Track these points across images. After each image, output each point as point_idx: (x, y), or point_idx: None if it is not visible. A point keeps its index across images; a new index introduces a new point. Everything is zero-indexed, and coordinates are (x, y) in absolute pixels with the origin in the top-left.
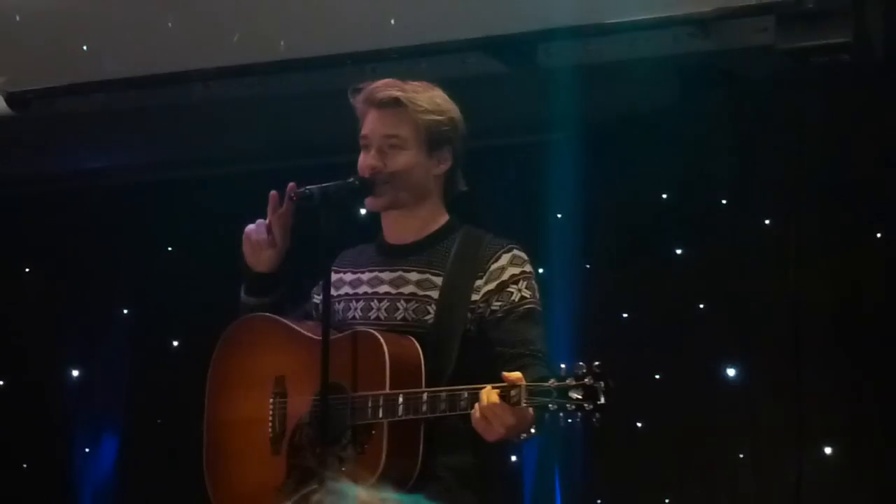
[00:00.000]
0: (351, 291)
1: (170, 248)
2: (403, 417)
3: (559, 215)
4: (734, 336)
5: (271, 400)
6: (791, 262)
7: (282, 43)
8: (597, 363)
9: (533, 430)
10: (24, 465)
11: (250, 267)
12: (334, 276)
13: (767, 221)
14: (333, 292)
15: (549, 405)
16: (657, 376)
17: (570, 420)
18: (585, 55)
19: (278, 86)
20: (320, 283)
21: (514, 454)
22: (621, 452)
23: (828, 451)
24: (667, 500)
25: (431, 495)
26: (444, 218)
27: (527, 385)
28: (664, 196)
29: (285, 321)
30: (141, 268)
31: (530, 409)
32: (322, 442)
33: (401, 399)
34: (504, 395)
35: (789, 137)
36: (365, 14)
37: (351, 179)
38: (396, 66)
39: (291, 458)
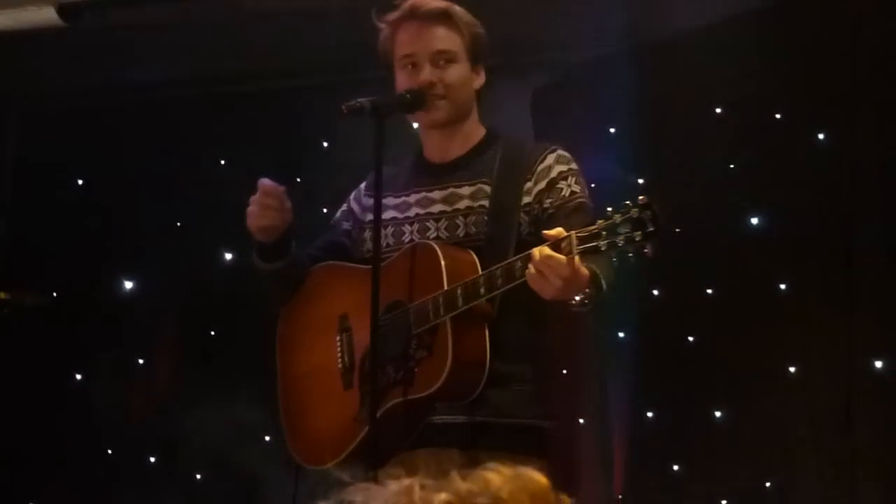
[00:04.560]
0: (400, 216)
1: (222, 161)
2: (464, 307)
3: (612, 129)
4: (786, 251)
5: (338, 338)
6: (845, 176)
7: None
8: (641, 196)
9: (589, 291)
10: (78, 377)
11: (253, 233)
12: (370, 201)
13: (821, 136)
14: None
15: (601, 246)
16: (709, 291)
17: (623, 258)
18: None
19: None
20: (344, 209)
21: (565, 367)
22: (672, 367)
23: (878, 365)
24: (717, 414)
25: (505, 408)
26: (483, 130)
27: (576, 232)
28: (717, 111)
29: (334, 262)
30: (193, 180)
31: (583, 268)
32: (386, 359)
33: (459, 290)
34: (555, 247)
35: (844, 50)
36: None
37: (403, 92)
38: None
39: (363, 386)
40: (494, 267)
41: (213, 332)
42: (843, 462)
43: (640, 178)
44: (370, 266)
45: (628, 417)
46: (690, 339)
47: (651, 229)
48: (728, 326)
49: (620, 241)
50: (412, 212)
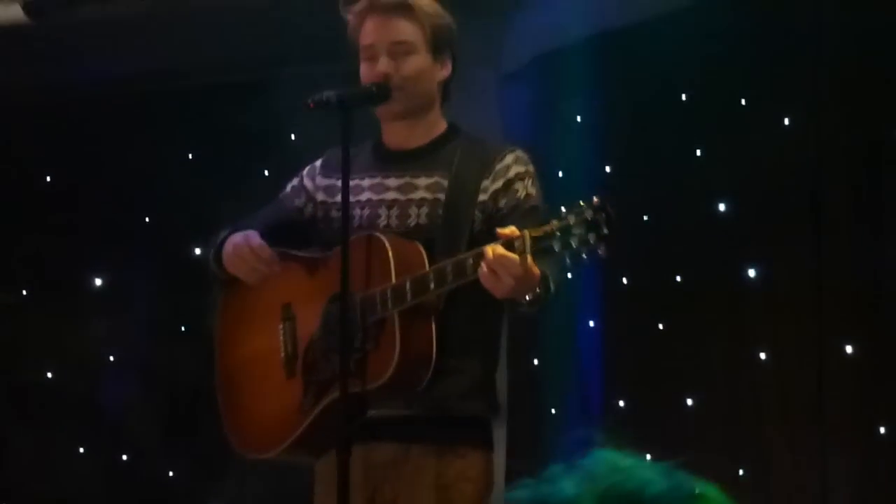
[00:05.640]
0: (352, 198)
1: (189, 156)
2: (413, 302)
3: (579, 118)
4: (754, 236)
5: (280, 326)
6: (811, 160)
7: None
8: (595, 197)
9: (539, 291)
10: (49, 375)
11: (226, 268)
12: (325, 182)
13: (787, 121)
14: (328, 199)
15: (554, 246)
16: (678, 277)
17: (576, 259)
18: None
19: None
20: (295, 185)
21: (535, 357)
22: (642, 354)
23: (848, 350)
24: (689, 401)
25: (445, 401)
26: (444, 124)
27: (530, 231)
28: (683, 97)
29: (278, 249)
30: (160, 175)
31: (534, 266)
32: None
33: (408, 284)
34: (508, 245)
35: (808, 34)
36: None
37: (369, 84)
38: None
39: (307, 376)
40: (444, 262)
41: (183, 329)
42: (814, 447)
43: (607, 165)
44: (315, 255)
45: (599, 406)
46: (660, 326)
47: (605, 231)
48: (697, 313)
49: (574, 241)
50: (364, 196)
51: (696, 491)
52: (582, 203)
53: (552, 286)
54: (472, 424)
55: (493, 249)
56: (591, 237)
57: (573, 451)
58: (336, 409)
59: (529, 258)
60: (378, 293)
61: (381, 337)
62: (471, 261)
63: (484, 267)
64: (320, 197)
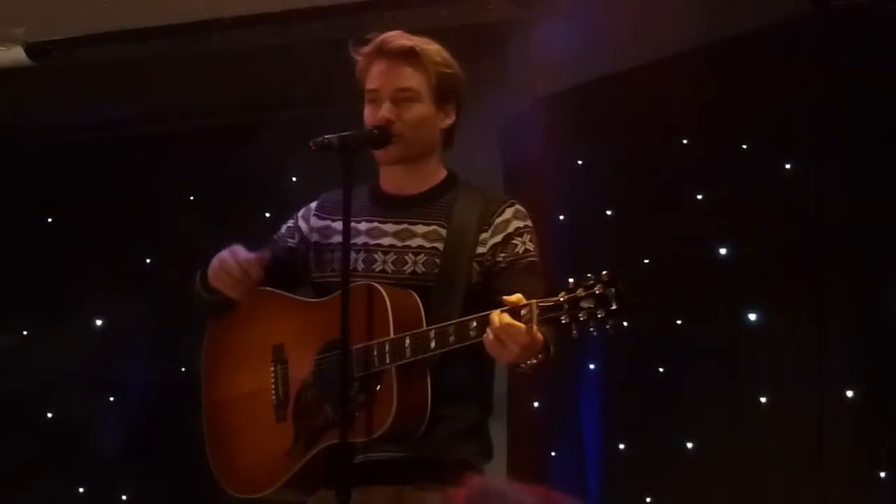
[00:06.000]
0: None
1: (191, 197)
2: (412, 359)
3: (580, 162)
4: (755, 281)
5: (272, 368)
6: (812, 205)
7: None
8: (605, 272)
9: (541, 356)
10: (49, 415)
11: (212, 285)
12: (320, 223)
13: (788, 166)
14: (321, 241)
15: (562, 318)
16: (678, 321)
17: (583, 332)
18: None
19: (298, 34)
20: (290, 225)
21: (536, 400)
22: (643, 397)
23: (849, 394)
24: (689, 445)
25: (439, 444)
26: (444, 172)
27: (538, 302)
28: (684, 141)
29: (278, 292)
30: (163, 217)
31: (539, 333)
32: (335, 393)
33: (408, 341)
34: (514, 313)
35: (809, 81)
36: None
37: (370, 128)
38: (415, 14)
39: (298, 422)
40: (447, 323)
41: (183, 370)
42: (814, 492)
43: (608, 209)
44: (310, 299)
45: (600, 449)
46: (661, 369)
47: (614, 307)
48: (698, 357)
49: (582, 315)
50: (360, 239)
51: None
52: (590, 276)
53: (552, 349)
54: (464, 467)
55: (499, 317)
56: (601, 312)
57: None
58: (325, 457)
59: (535, 327)
60: (376, 346)
61: (377, 390)
62: (475, 324)
63: (490, 334)
64: (314, 238)
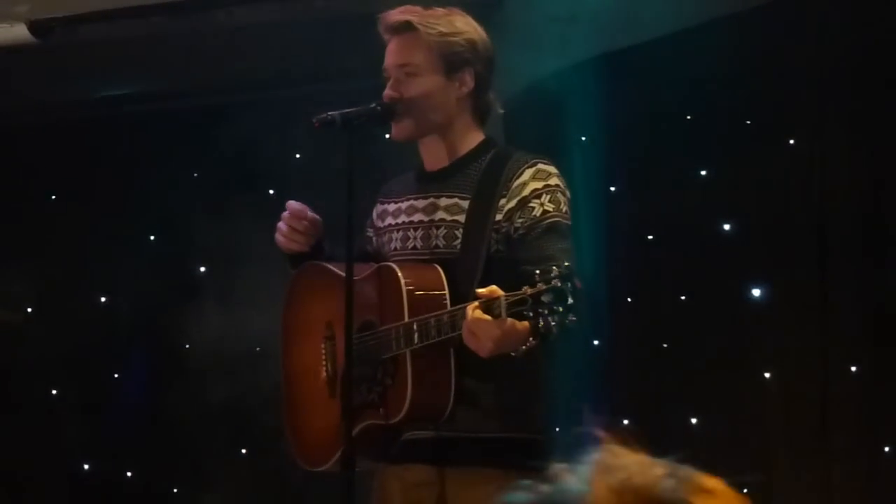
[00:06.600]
0: (393, 222)
1: (195, 175)
2: (419, 345)
3: (584, 138)
4: (759, 256)
5: (323, 345)
6: (816, 180)
7: None
8: (565, 264)
9: (533, 340)
10: (54, 392)
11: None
12: (379, 208)
13: (792, 141)
14: (380, 224)
15: (526, 313)
16: (682, 297)
17: (547, 327)
18: None
19: (301, 11)
20: (371, 214)
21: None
22: (647, 374)
23: (854, 369)
24: (693, 421)
25: (468, 424)
26: (476, 140)
27: (504, 296)
28: (688, 117)
29: (331, 267)
30: (166, 194)
31: (518, 325)
32: (347, 380)
33: (415, 327)
34: (487, 307)
35: (813, 55)
36: None
37: (373, 105)
38: None
39: (341, 399)
40: (445, 311)
41: (187, 346)
42: (819, 467)
43: (612, 186)
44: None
45: (604, 425)
46: (665, 345)
47: (570, 302)
48: (702, 333)
49: (544, 310)
50: (401, 219)
51: (706, 486)
52: (554, 268)
53: (554, 331)
54: (491, 445)
55: (470, 312)
56: (559, 307)
57: (576, 449)
58: (366, 435)
59: (509, 319)
60: (393, 330)
61: (396, 374)
62: (459, 314)
63: (465, 329)
64: (378, 223)
